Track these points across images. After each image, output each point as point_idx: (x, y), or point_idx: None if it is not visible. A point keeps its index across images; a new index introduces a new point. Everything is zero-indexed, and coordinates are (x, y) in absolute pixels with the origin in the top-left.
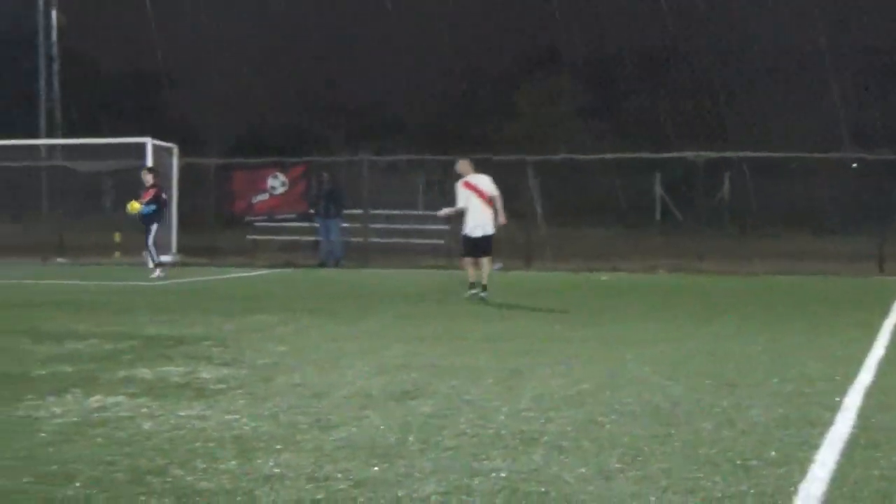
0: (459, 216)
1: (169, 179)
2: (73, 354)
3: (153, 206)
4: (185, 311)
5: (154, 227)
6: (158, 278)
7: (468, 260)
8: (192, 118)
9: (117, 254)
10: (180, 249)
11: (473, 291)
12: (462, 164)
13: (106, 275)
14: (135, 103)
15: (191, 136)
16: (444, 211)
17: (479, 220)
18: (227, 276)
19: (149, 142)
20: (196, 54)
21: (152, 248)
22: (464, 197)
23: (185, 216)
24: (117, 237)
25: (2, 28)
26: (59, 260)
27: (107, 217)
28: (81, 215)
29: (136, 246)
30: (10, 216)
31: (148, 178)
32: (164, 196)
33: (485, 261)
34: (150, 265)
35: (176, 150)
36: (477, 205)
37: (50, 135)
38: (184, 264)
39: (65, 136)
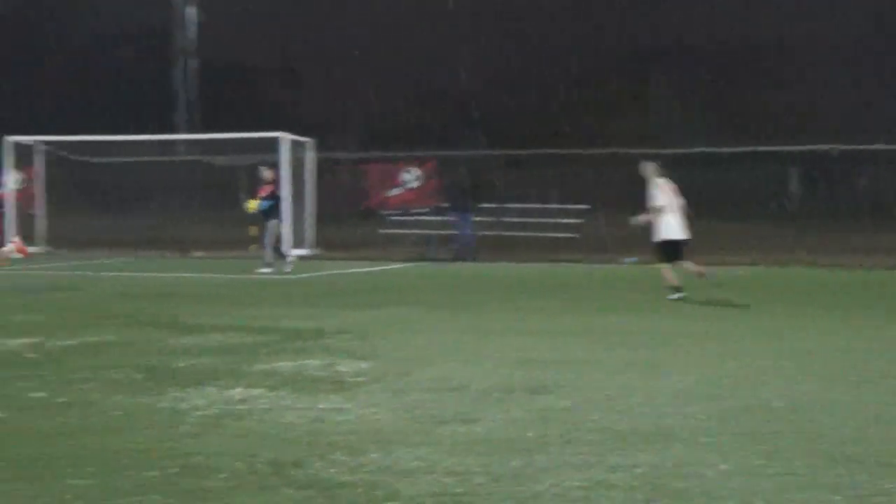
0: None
1: (305, 174)
2: (215, 347)
3: (270, 202)
4: (323, 304)
5: (272, 223)
6: (278, 273)
7: (667, 265)
8: (327, 112)
9: (253, 247)
10: (318, 243)
11: (679, 294)
12: (648, 167)
13: (243, 268)
14: (270, 98)
15: (326, 131)
16: (642, 217)
17: (679, 222)
18: (363, 269)
19: (284, 136)
20: (331, 47)
21: (268, 248)
22: (664, 198)
23: (321, 210)
24: (253, 231)
25: (140, 22)
26: (197, 254)
27: (242, 211)
28: (218, 209)
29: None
30: (150, 210)
31: (267, 175)
32: (278, 193)
33: (687, 263)
34: (267, 267)
35: (312, 145)
36: (675, 207)
37: (187, 130)
38: (321, 258)
39: (202, 131)
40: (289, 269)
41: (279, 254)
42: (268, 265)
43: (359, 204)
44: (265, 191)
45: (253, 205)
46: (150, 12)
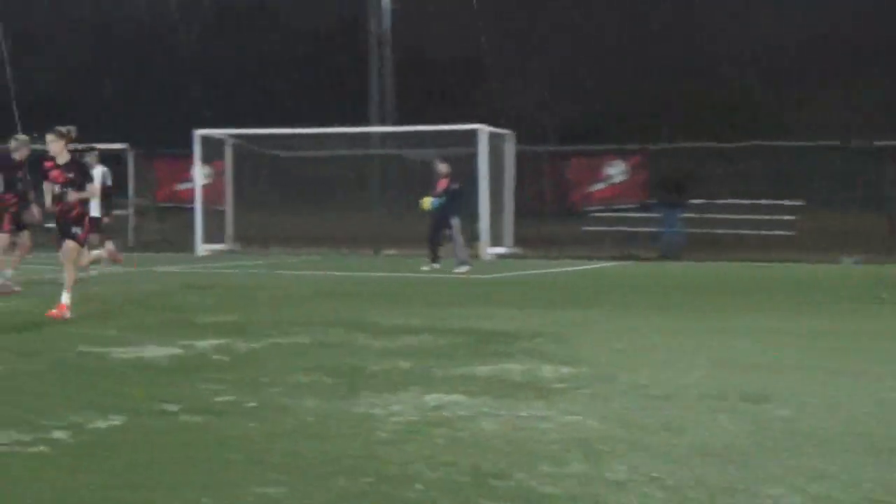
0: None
1: (504, 168)
2: (409, 349)
3: (443, 199)
4: (522, 304)
5: (455, 220)
6: (446, 272)
7: None
8: (526, 104)
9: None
10: (517, 241)
11: None
12: None
13: (441, 266)
14: (466, 89)
15: (525, 123)
16: None
17: None
18: (565, 268)
19: (482, 128)
20: (527, 37)
21: (459, 245)
22: None
23: (521, 206)
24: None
25: (334, 13)
26: (389, 252)
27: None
28: (413, 205)
29: (466, 236)
30: (341, 206)
31: (442, 168)
32: (454, 187)
33: None
34: (432, 262)
35: (511, 137)
36: None
37: (381, 123)
38: (520, 256)
39: (396, 123)
40: (427, 269)
41: (434, 252)
42: (462, 263)
43: (559, 199)
44: (442, 185)
45: (427, 202)
46: (343, 1)
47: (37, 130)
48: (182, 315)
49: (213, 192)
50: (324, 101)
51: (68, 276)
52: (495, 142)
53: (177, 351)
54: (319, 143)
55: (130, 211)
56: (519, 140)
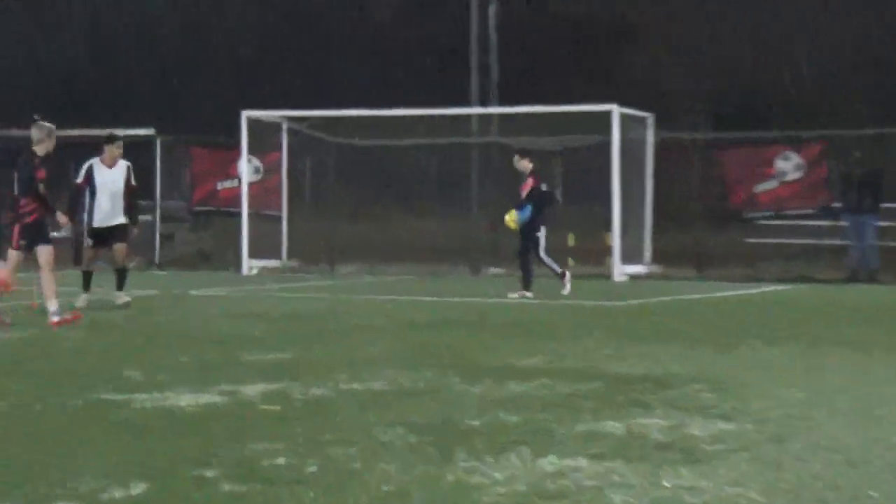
0: None
1: (641, 160)
2: (518, 399)
3: (529, 207)
4: (664, 340)
5: (541, 233)
6: (568, 292)
7: None
8: (670, 80)
9: (570, 261)
10: (656, 256)
11: None
12: None
13: (553, 291)
14: (589, 61)
15: (669, 103)
16: None
17: None
18: (720, 293)
19: (615, 110)
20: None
21: (546, 259)
22: None
23: (660, 209)
24: (571, 239)
25: None
26: (494, 270)
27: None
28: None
29: (595, 251)
30: (431, 209)
31: (524, 164)
32: (543, 188)
33: None
34: (562, 279)
35: (651, 121)
36: None
37: (483, 103)
38: (660, 276)
39: (503, 104)
40: (516, 296)
41: (528, 274)
42: (563, 275)
43: (713, 203)
44: (526, 186)
45: (512, 218)
46: None
47: (54, 114)
48: (223, 352)
49: (263, 193)
50: (408, 75)
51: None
52: (631, 128)
53: (216, 399)
54: (402, 129)
55: (156, 217)
56: (661, 125)
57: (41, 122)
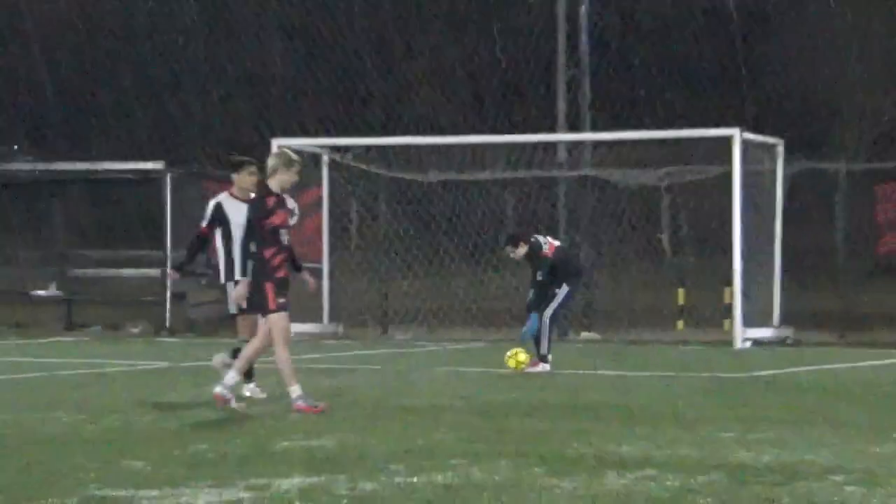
0: None
1: (771, 195)
2: (618, 495)
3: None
4: (798, 422)
5: (564, 290)
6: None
7: None
8: (810, 87)
9: (680, 323)
10: (787, 317)
11: None
12: None
13: (665, 359)
14: (704, 79)
15: (809, 127)
16: None
17: None
18: (869, 361)
19: (737, 134)
20: None
21: (546, 324)
22: None
23: (794, 258)
24: (680, 296)
25: None
26: (585, 335)
27: (663, 263)
28: (620, 257)
29: (712, 310)
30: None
31: (519, 253)
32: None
33: None
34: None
35: (781, 149)
36: None
37: (573, 126)
38: (796, 343)
39: (599, 129)
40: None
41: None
42: (543, 359)
43: (861, 249)
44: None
45: (522, 359)
46: None
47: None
48: (251, 438)
49: (300, 240)
50: (482, 98)
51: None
52: (756, 155)
53: (243, 495)
54: (472, 161)
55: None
56: (798, 152)
57: (284, 149)
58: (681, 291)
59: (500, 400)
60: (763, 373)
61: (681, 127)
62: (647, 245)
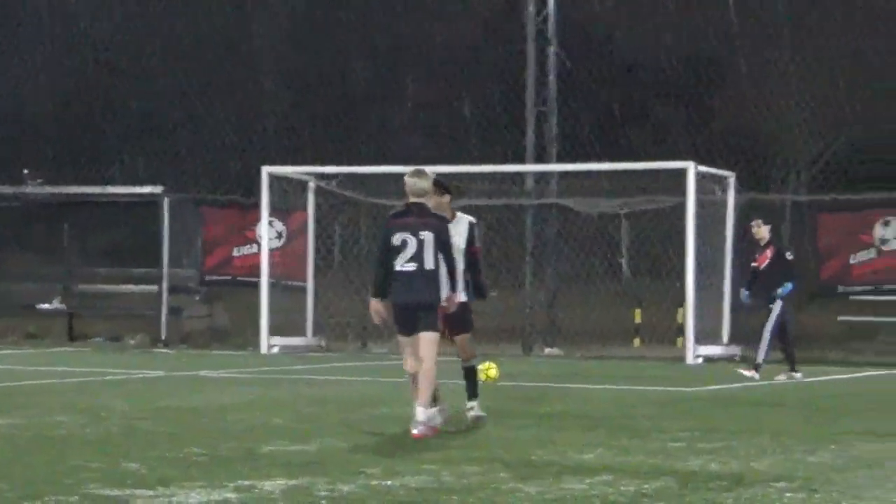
0: None
1: (722, 226)
2: (576, 498)
3: (789, 283)
4: (744, 432)
5: (779, 307)
6: (752, 378)
7: None
8: (758, 127)
9: (637, 341)
10: (736, 336)
11: None
12: None
13: (623, 373)
14: (662, 115)
15: (757, 161)
16: None
17: None
18: (811, 378)
19: (691, 167)
20: (763, 29)
21: (768, 339)
22: None
23: (742, 281)
24: (637, 315)
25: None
26: (549, 350)
27: (621, 285)
28: (582, 279)
29: (666, 329)
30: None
31: (762, 232)
32: (788, 255)
33: None
34: (758, 361)
35: (732, 182)
36: None
37: (540, 158)
38: (741, 359)
39: (562, 160)
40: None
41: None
42: (757, 367)
43: (807, 270)
44: (765, 258)
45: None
46: None
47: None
48: (239, 442)
49: (286, 261)
50: (453, 127)
51: None
52: (709, 187)
53: (230, 496)
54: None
55: (163, 287)
56: (746, 184)
57: (420, 169)
58: (638, 311)
59: (601, 410)
60: (712, 387)
61: (640, 159)
62: (607, 268)
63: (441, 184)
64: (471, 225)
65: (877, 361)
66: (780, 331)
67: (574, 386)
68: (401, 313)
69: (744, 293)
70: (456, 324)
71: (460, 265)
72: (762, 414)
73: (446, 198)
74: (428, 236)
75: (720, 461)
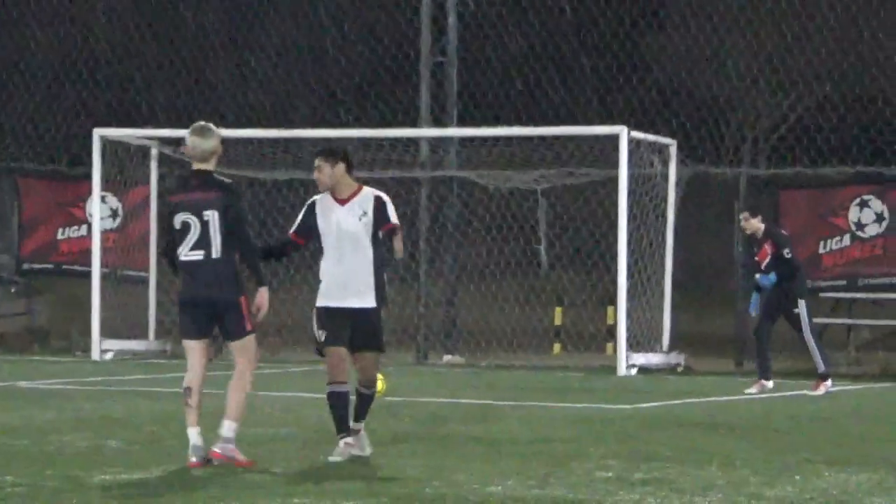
0: None
1: (661, 206)
2: None
3: (772, 275)
4: (687, 461)
5: (804, 307)
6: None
7: None
8: (706, 84)
9: (557, 347)
10: (677, 342)
11: None
12: None
13: (538, 386)
14: (588, 71)
15: (704, 127)
16: None
17: None
18: (767, 394)
19: (623, 133)
20: None
21: (813, 344)
22: None
23: (686, 275)
24: (557, 316)
25: None
26: (448, 358)
27: (538, 278)
28: (489, 270)
29: (593, 333)
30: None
31: (754, 224)
32: (786, 254)
33: None
34: (820, 371)
35: (673, 151)
36: None
37: (437, 121)
38: (687, 372)
39: (468, 124)
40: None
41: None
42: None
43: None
44: (765, 253)
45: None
46: None
47: None
48: (63, 470)
49: (124, 245)
50: (326, 81)
51: None
52: (645, 157)
53: None
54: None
55: None
56: (689, 155)
57: (205, 125)
58: (558, 310)
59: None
60: (649, 404)
61: (560, 123)
62: (520, 257)
63: (333, 151)
64: (377, 200)
65: (850, 373)
66: (755, 332)
67: (478, 402)
68: (190, 312)
69: (753, 301)
70: (363, 337)
71: (368, 252)
72: (710, 437)
73: (340, 167)
74: (213, 216)
75: (658, 496)
